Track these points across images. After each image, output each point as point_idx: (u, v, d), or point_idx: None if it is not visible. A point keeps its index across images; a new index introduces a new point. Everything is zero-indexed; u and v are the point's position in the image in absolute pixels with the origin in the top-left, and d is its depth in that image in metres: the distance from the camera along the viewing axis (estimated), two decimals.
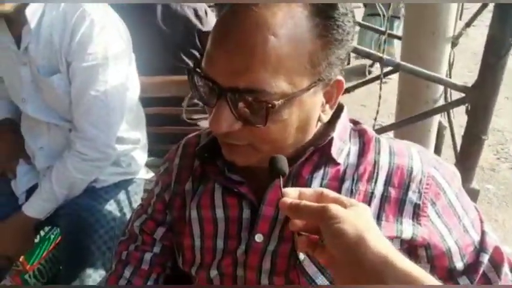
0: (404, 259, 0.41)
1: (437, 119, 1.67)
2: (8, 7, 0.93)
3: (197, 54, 1.63)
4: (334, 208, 0.43)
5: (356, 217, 0.43)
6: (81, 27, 0.97)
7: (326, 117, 0.59)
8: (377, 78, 1.63)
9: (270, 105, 0.48)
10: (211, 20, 1.62)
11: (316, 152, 0.60)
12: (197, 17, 1.58)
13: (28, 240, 1.13)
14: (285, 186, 0.58)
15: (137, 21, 1.15)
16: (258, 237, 0.60)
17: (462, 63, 4.53)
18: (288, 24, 0.48)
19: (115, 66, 1.03)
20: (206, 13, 1.61)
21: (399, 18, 4.11)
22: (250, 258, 0.61)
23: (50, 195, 1.08)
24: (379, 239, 0.42)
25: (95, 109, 1.02)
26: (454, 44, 1.57)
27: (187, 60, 1.60)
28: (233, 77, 0.49)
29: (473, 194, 1.37)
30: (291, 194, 0.48)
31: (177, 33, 1.55)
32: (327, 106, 0.58)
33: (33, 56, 1.01)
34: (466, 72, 4.49)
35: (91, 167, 1.08)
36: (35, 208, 1.08)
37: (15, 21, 1.00)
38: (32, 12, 0.97)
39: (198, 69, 0.53)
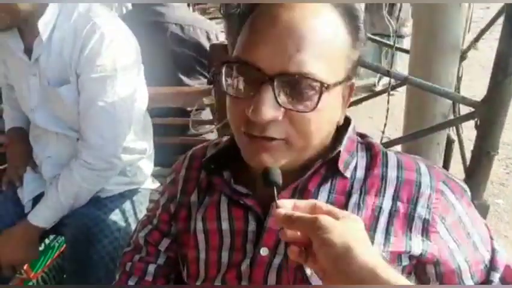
0: (390, 271, 0.40)
1: (445, 132, 1.65)
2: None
3: (205, 73, 1.65)
4: (324, 219, 0.43)
5: (345, 228, 0.43)
6: (91, 40, 0.98)
7: (341, 119, 0.60)
8: (384, 91, 1.62)
9: (324, 86, 0.49)
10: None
11: (324, 165, 0.60)
12: (208, 40, 1.60)
13: (33, 249, 1.13)
14: (291, 198, 0.58)
15: (146, 40, 1.16)
16: (263, 251, 0.59)
17: (471, 76, 4.50)
18: (330, 16, 0.51)
19: (124, 77, 1.03)
20: (217, 37, 1.63)
21: (401, 37, 4.11)
22: (255, 272, 0.60)
23: (55, 204, 1.08)
24: (366, 250, 0.42)
25: (103, 120, 1.03)
26: (463, 58, 1.56)
27: (195, 76, 1.62)
28: (283, 61, 0.49)
29: (483, 209, 1.34)
30: (286, 205, 0.48)
31: (187, 55, 1.58)
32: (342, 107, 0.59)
33: (43, 67, 1.03)
34: (476, 85, 4.46)
35: (97, 177, 1.09)
36: (41, 217, 1.08)
37: (27, 33, 1.02)
38: (44, 25, 0.98)
39: (231, 60, 0.53)
